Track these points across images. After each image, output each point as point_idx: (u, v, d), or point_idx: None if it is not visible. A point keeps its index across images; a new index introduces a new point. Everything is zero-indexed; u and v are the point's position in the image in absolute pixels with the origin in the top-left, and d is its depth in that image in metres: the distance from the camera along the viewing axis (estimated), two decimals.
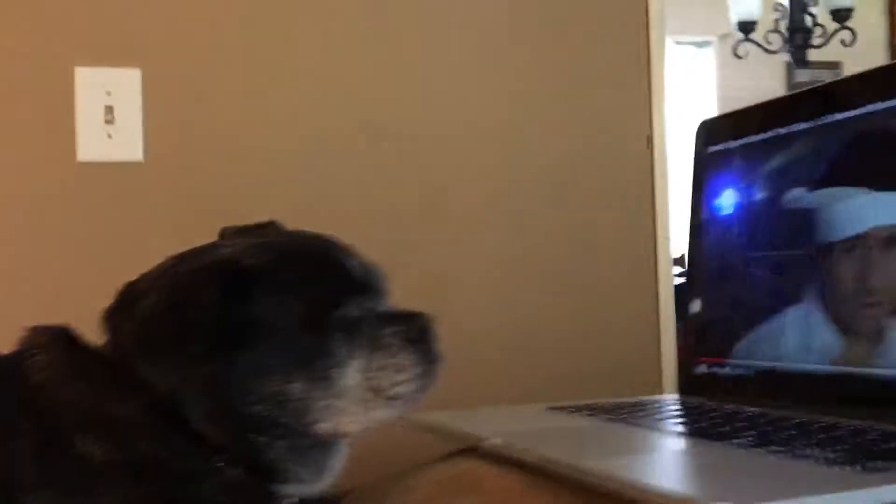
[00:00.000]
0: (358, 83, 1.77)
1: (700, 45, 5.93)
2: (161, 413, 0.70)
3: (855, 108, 0.89)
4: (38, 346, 0.73)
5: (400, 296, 0.85)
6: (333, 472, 0.80)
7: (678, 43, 5.67)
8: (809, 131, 0.94)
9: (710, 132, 1.09)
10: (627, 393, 1.09)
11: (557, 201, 1.74)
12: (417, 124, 1.75)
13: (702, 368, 1.05)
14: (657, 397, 1.06)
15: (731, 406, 0.95)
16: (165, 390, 0.69)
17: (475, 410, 0.99)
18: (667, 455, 0.73)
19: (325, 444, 0.76)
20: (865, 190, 0.86)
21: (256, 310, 0.72)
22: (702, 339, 1.07)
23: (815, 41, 4.21)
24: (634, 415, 0.92)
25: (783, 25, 4.25)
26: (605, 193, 1.74)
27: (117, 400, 0.69)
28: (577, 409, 0.96)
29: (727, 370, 1.02)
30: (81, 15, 1.62)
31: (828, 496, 0.54)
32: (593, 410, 0.95)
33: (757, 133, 1.01)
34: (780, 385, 0.94)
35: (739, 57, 4.28)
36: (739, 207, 1.03)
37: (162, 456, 0.69)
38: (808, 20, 4.16)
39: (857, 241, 0.86)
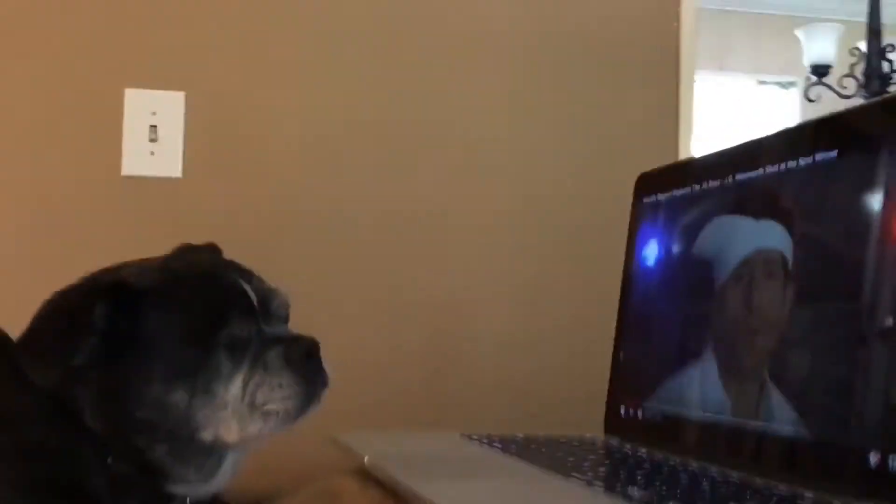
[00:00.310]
0: (393, 109, 1.87)
1: (784, 85, 5.77)
2: (54, 407, 0.80)
3: (760, 167, 0.91)
4: None
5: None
6: (222, 477, 0.88)
7: (761, 83, 5.54)
8: (721, 187, 0.97)
9: (645, 184, 1.12)
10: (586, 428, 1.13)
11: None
12: (449, 156, 1.83)
13: (622, 410, 1.08)
14: (580, 436, 1.10)
15: (635, 448, 0.98)
16: (47, 389, 0.79)
17: (393, 433, 1.06)
18: (500, 486, 0.77)
19: (209, 451, 0.85)
20: (750, 219, 0.89)
21: (143, 324, 0.81)
22: (624, 382, 1.10)
23: (893, 87, 4.05)
24: (534, 450, 0.96)
25: (859, 70, 4.10)
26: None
27: (13, 392, 0.79)
28: (487, 440, 1.02)
29: (641, 414, 1.05)
30: (132, 41, 1.78)
31: None
32: (499, 442, 1.00)
33: (681, 187, 1.04)
34: (683, 433, 0.97)
35: (811, 100, 4.16)
36: (660, 259, 1.07)
37: (51, 444, 0.79)
38: (886, 66, 4.00)
39: (742, 270, 0.88)
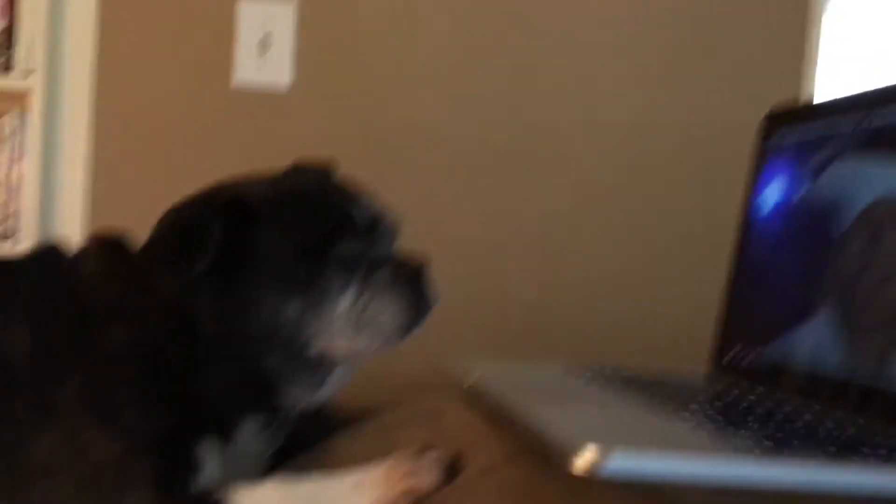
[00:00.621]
0: (510, 34, 1.81)
1: None
2: (175, 314, 0.83)
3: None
4: (93, 248, 0.87)
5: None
6: (328, 391, 0.90)
7: None
8: (853, 130, 0.91)
9: (771, 123, 1.07)
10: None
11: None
12: (565, 87, 1.80)
13: (729, 355, 1.06)
14: (683, 375, 1.08)
15: (742, 392, 0.96)
16: (169, 297, 0.82)
17: (495, 361, 1.06)
18: (604, 414, 0.77)
19: (318, 364, 0.87)
20: (879, 164, 0.84)
21: (257, 239, 0.83)
22: (733, 326, 1.07)
23: None
24: (635, 383, 0.95)
25: None
26: None
27: (138, 297, 0.82)
28: (589, 372, 1.01)
29: (748, 361, 1.02)
30: None
31: (700, 460, 0.58)
32: (599, 374, 0.99)
33: (809, 128, 0.99)
34: (790, 383, 0.94)
35: None
36: (780, 202, 1.02)
37: (171, 348, 0.82)
38: None
39: (868, 218, 0.84)
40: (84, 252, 0.88)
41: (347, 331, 0.85)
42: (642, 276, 1.77)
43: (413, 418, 0.88)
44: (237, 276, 0.84)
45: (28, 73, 1.84)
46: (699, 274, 1.59)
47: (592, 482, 0.68)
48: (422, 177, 1.80)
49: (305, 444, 0.92)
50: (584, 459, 0.58)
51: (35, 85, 1.85)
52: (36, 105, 1.85)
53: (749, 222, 1.09)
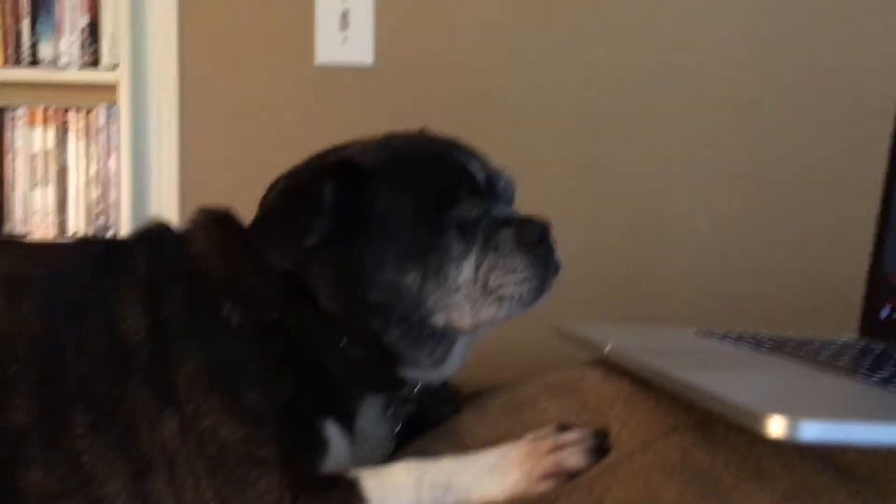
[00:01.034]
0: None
1: None
2: (290, 288, 0.77)
3: None
4: (201, 224, 0.83)
5: None
6: (453, 363, 0.84)
7: None
8: None
9: None
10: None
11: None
12: (669, 55, 1.70)
13: (885, 311, 0.96)
14: (833, 337, 0.98)
15: None
16: (284, 271, 0.76)
17: (622, 326, 0.98)
18: (773, 381, 0.69)
19: (440, 336, 0.80)
20: None
21: (372, 204, 0.76)
22: (888, 278, 0.96)
23: None
24: (783, 347, 0.86)
25: None
26: None
27: (251, 273, 0.77)
28: (726, 336, 0.92)
29: None
30: None
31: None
32: (741, 338, 0.90)
33: None
34: None
35: None
36: None
37: (288, 324, 0.77)
38: None
39: None
40: (192, 229, 0.84)
41: (470, 301, 0.78)
42: (760, 242, 1.66)
43: (546, 392, 0.81)
44: (353, 243, 0.78)
45: (114, 66, 1.84)
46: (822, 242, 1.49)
47: (755, 451, 0.61)
48: (512, 145, 1.74)
49: (431, 423, 0.86)
50: (780, 426, 0.50)
51: (122, 78, 1.84)
52: (124, 97, 1.84)
53: None
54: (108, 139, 1.88)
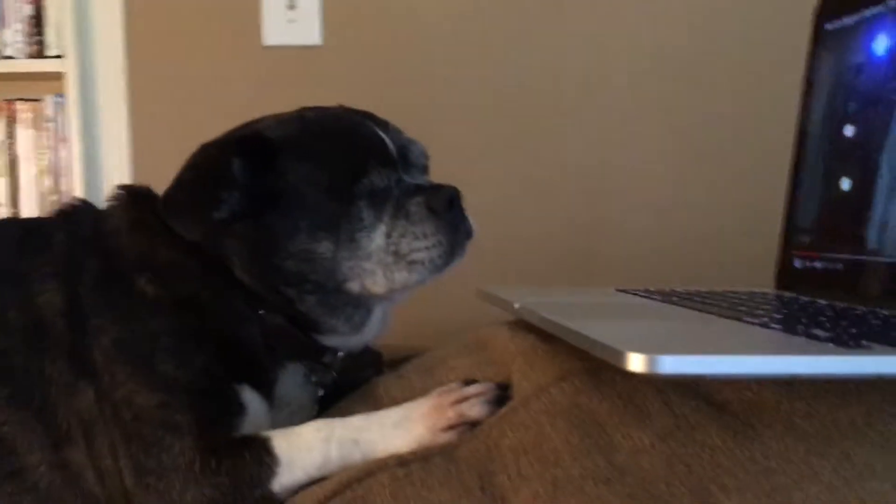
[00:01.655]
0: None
1: None
2: (205, 262, 0.79)
3: None
4: (119, 201, 0.85)
5: None
6: (372, 330, 0.86)
7: None
8: None
9: (827, 6, 0.98)
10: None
11: None
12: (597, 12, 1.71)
13: (797, 262, 0.99)
14: (749, 290, 1.01)
15: (814, 299, 0.89)
16: (197, 244, 0.78)
17: (545, 287, 1.01)
18: (658, 324, 0.72)
19: (357, 302, 0.83)
20: None
21: (282, 176, 0.79)
22: (799, 231, 1.00)
23: None
24: (700, 300, 0.89)
25: None
26: None
27: (166, 247, 0.79)
28: (646, 293, 0.95)
29: (819, 264, 0.95)
30: None
31: (752, 357, 0.53)
32: (658, 294, 0.93)
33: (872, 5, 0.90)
34: (869, 281, 0.87)
35: None
36: (842, 93, 0.93)
37: (203, 296, 0.79)
38: None
39: None
40: (110, 206, 0.86)
41: (382, 267, 0.80)
42: (691, 199, 1.69)
43: (457, 351, 0.83)
44: (265, 216, 0.80)
45: (59, 55, 1.84)
46: (751, 191, 1.52)
47: (638, 393, 0.64)
48: (458, 122, 1.76)
49: (355, 387, 0.88)
50: (636, 361, 0.53)
51: (68, 67, 1.85)
52: (71, 86, 1.85)
53: (808, 119, 1.01)
54: (58, 129, 1.89)
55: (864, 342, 0.59)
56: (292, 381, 0.85)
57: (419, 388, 0.80)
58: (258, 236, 0.80)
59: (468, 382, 0.75)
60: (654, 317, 0.77)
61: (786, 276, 1.02)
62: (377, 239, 0.80)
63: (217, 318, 0.80)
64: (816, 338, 0.61)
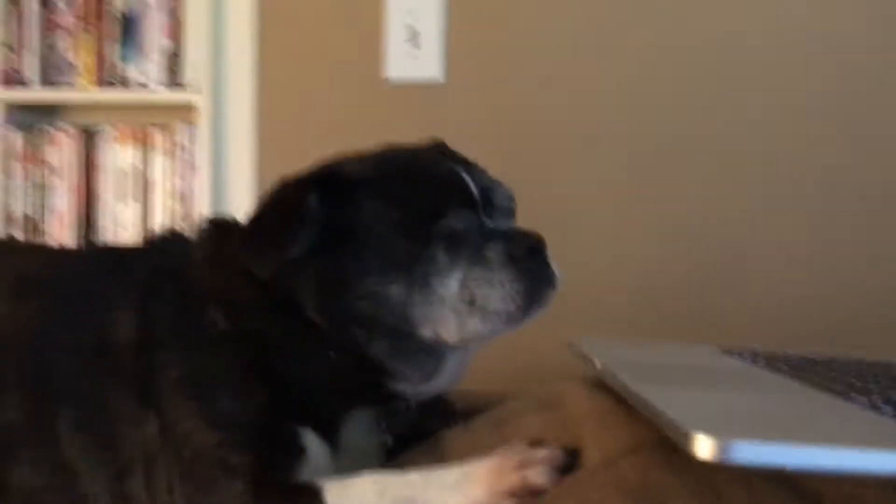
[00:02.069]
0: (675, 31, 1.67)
1: None
2: (277, 298, 0.78)
3: None
4: (204, 233, 0.85)
5: None
6: (446, 378, 0.82)
7: None
8: None
9: None
10: None
11: None
12: (732, 81, 1.66)
13: None
14: (885, 360, 0.90)
15: None
16: (271, 281, 0.77)
17: (642, 342, 0.94)
18: (745, 398, 0.64)
19: (429, 349, 0.79)
20: None
21: (358, 214, 0.77)
22: None
23: None
24: (810, 369, 0.80)
25: None
26: None
27: (242, 282, 0.78)
28: (751, 356, 0.87)
29: None
30: None
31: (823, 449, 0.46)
32: (764, 358, 0.85)
33: None
34: None
35: None
36: None
37: (271, 332, 0.78)
38: None
39: None
40: (199, 238, 0.86)
41: (456, 315, 0.76)
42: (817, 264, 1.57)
43: (530, 407, 0.78)
44: (339, 255, 0.77)
45: (195, 88, 1.91)
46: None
47: (717, 475, 0.57)
48: (579, 166, 1.72)
49: (425, 437, 0.84)
50: (704, 446, 0.47)
51: (202, 99, 1.92)
52: (204, 118, 1.92)
53: None
54: (190, 157, 1.96)
55: None
56: (360, 427, 0.82)
57: (486, 443, 0.75)
58: (330, 275, 0.77)
59: (536, 443, 0.69)
60: (747, 388, 0.69)
61: None
62: (452, 285, 0.76)
63: (283, 356, 0.78)
64: None
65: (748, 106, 1.63)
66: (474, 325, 0.76)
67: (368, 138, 1.85)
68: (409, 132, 1.86)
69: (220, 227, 0.86)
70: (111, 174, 2.02)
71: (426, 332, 0.77)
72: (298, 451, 0.75)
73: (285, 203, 0.78)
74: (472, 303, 0.76)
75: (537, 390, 0.82)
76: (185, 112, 1.96)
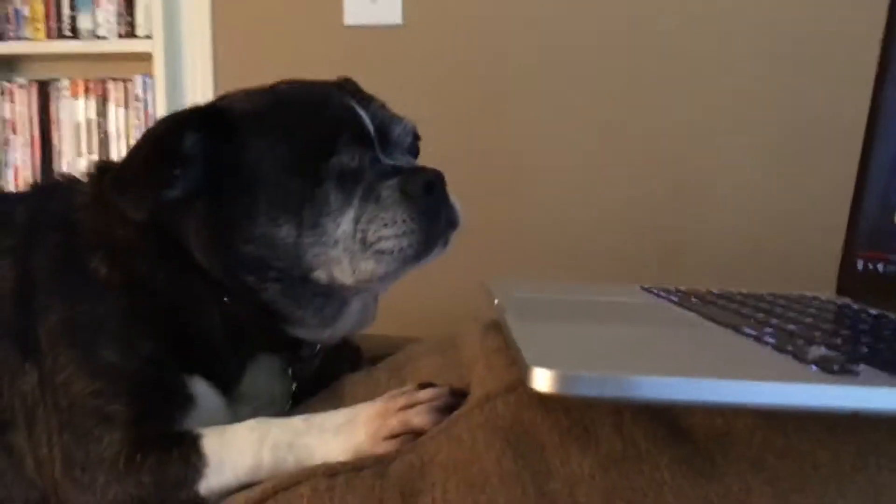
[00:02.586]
0: None
1: None
2: (163, 242, 0.74)
3: None
4: (90, 176, 0.81)
5: None
6: (347, 322, 0.79)
7: None
8: None
9: None
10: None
11: None
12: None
13: (860, 265, 0.85)
14: (801, 294, 0.87)
15: (864, 308, 0.75)
16: (153, 223, 0.73)
17: (560, 282, 0.91)
18: (622, 332, 0.61)
19: (327, 293, 0.75)
20: None
21: (243, 153, 0.72)
22: (865, 231, 0.85)
23: None
24: (722, 305, 0.77)
25: None
26: None
27: (123, 225, 0.74)
28: (667, 293, 0.84)
29: (881, 267, 0.81)
30: None
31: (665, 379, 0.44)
32: (677, 294, 0.82)
33: None
34: None
35: None
36: None
37: (158, 278, 0.74)
38: None
39: None
40: (82, 181, 0.82)
41: (349, 255, 0.72)
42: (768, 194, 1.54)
43: (430, 350, 0.75)
44: (225, 196, 0.73)
45: (148, 36, 1.86)
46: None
47: (590, 413, 0.55)
48: (540, 106, 1.68)
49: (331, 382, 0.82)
50: (540, 378, 0.45)
51: (156, 47, 1.87)
52: (158, 66, 1.87)
53: (882, 109, 0.86)
54: (146, 107, 1.92)
55: (859, 367, 0.47)
56: (265, 373, 0.79)
57: (384, 387, 0.73)
58: (216, 217, 0.73)
59: (423, 386, 0.67)
60: (632, 323, 0.66)
61: (847, 280, 0.88)
62: (344, 224, 0.72)
63: (171, 303, 0.75)
64: (802, 358, 0.50)
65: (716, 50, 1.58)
66: (369, 265, 0.73)
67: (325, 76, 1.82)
68: (368, 75, 1.82)
69: (102, 169, 0.81)
70: (68, 127, 1.98)
71: (320, 274, 0.74)
72: (184, 400, 0.72)
73: (157, 140, 0.73)
74: (365, 243, 0.72)
75: (440, 333, 0.79)
76: (143, 64, 1.91)
